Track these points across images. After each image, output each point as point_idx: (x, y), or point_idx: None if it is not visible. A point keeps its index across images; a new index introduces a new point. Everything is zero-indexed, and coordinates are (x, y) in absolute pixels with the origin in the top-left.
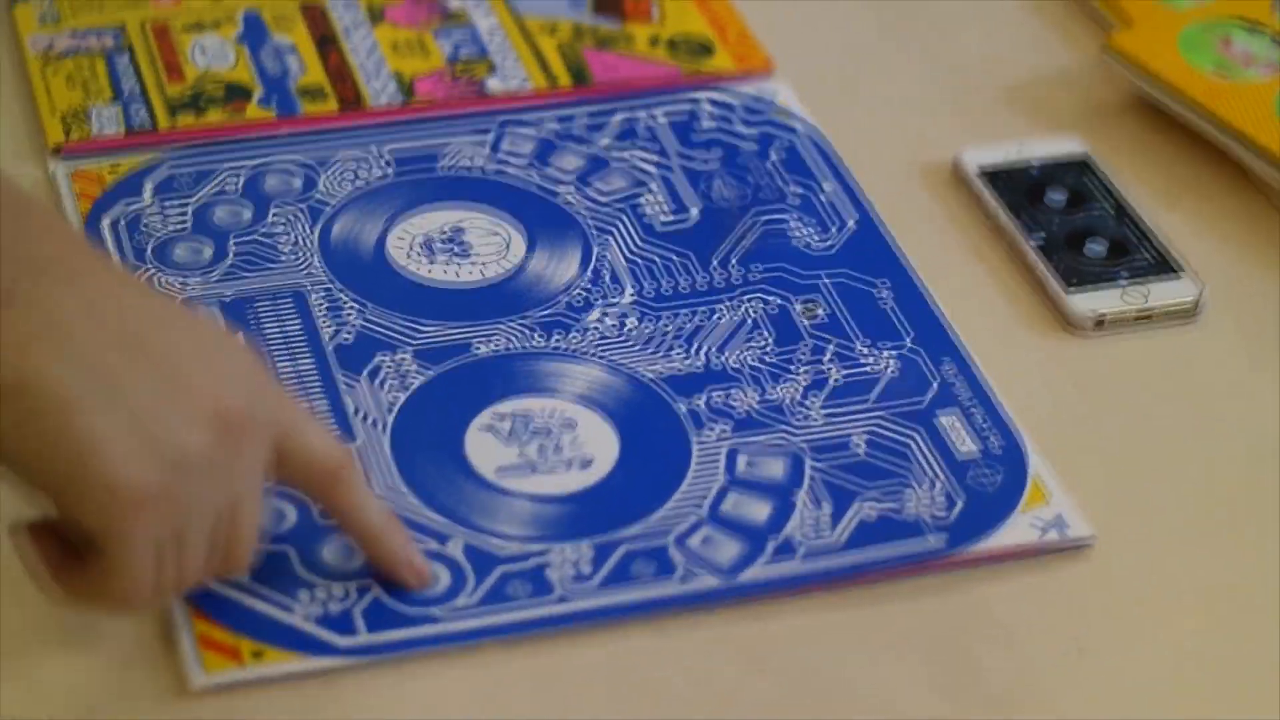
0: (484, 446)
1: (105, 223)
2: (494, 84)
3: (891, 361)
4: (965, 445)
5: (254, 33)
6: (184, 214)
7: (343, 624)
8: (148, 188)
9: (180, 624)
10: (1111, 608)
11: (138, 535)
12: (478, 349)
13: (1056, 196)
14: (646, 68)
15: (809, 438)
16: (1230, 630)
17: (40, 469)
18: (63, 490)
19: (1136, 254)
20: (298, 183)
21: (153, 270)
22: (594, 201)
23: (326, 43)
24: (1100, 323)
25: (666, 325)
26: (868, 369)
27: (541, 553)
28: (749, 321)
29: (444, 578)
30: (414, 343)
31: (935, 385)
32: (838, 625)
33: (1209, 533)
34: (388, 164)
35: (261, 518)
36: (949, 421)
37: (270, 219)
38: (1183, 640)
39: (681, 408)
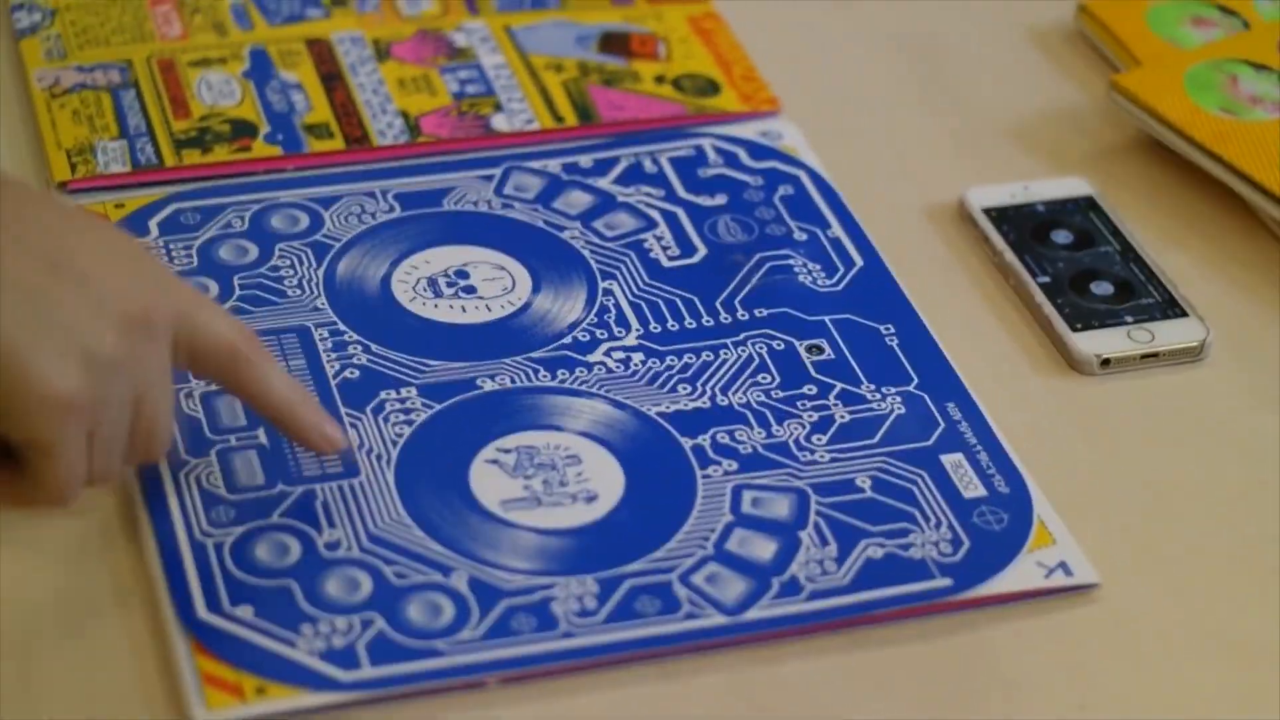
0: (489, 479)
1: None
2: (499, 122)
3: (897, 403)
4: (971, 487)
5: (260, 69)
6: (189, 252)
7: (346, 658)
8: (153, 226)
9: (182, 660)
10: (1116, 655)
11: (67, 437)
12: (482, 385)
13: (1062, 237)
14: (653, 106)
15: (814, 477)
16: (1236, 680)
17: None
18: None
19: (1143, 295)
20: (304, 221)
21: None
22: (599, 240)
23: (332, 79)
24: (1106, 363)
25: (672, 364)
26: (873, 409)
27: (546, 586)
28: (754, 361)
29: (448, 611)
30: (419, 379)
31: (941, 426)
32: (842, 668)
33: (1215, 576)
34: (393, 202)
35: (171, 404)
36: (954, 463)
37: (275, 257)
38: (1188, 692)
39: (687, 444)
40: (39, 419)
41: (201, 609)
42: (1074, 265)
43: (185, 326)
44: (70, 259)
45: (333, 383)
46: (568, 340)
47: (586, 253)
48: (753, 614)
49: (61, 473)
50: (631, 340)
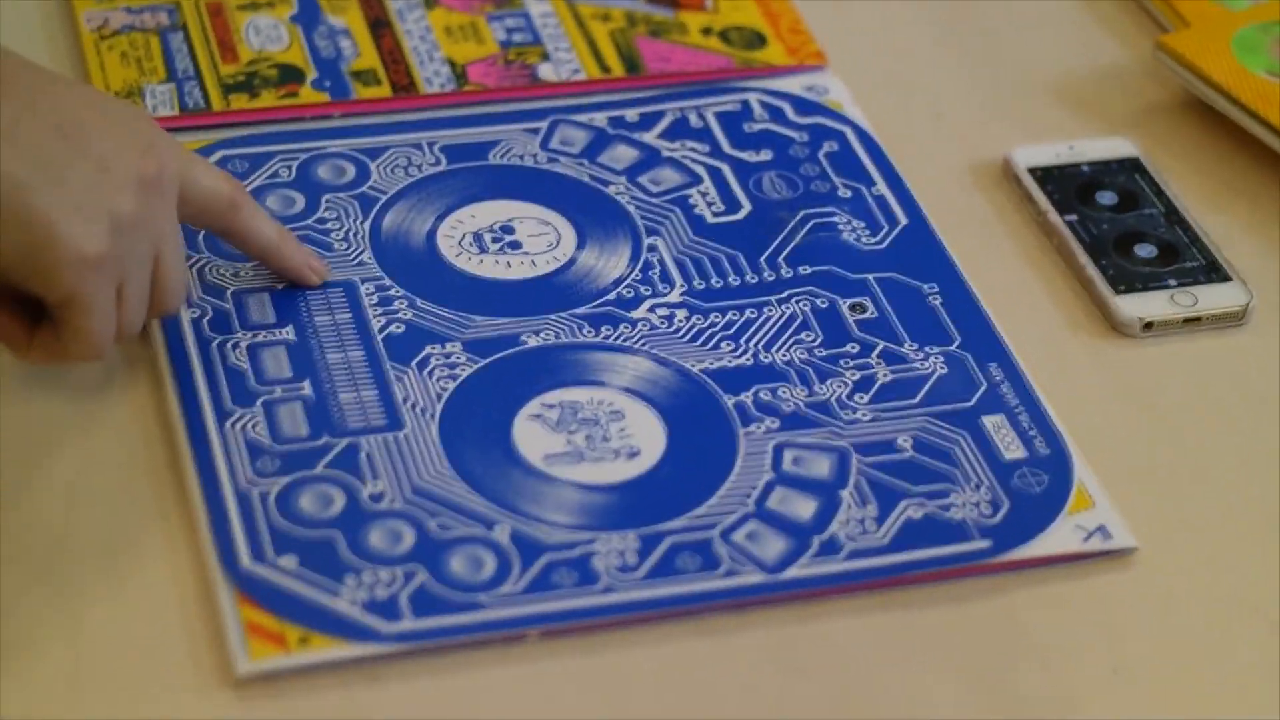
0: (532, 434)
1: None
2: (546, 71)
3: (939, 363)
4: (1011, 448)
5: (308, 13)
6: None
7: (388, 610)
8: None
9: (226, 609)
10: (1149, 620)
11: (98, 293)
12: (526, 341)
13: (1107, 198)
14: (699, 57)
15: (855, 436)
16: (1270, 648)
17: (5, 251)
18: (27, 267)
19: (1186, 258)
20: (350, 172)
21: (205, 259)
22: (645, 196)
23: (380, 25)
24: (1148, 326)
25: (715, 321)
26: (915, 369)
27: (588, 541)
28: (798, 319)
29: (490, 564)
30: (463, 335)
31: (982, 387)
32: (879, 628)
33: (1252, 544)
34: (439, 155)
35: (183, 256)
36: (995, 424)
37: (322, 209)
38: (1221, 659)
39: (729, 401)
40: (74, 278)
41: (246, 559)
42: (1118, 227)
43: (185, 184)
44: (76, 124)
45: (378, 337)
46: (612, 296)
47: (631, 208)
48: (792, 572)
49: (95, 326)
50: (675, 297)
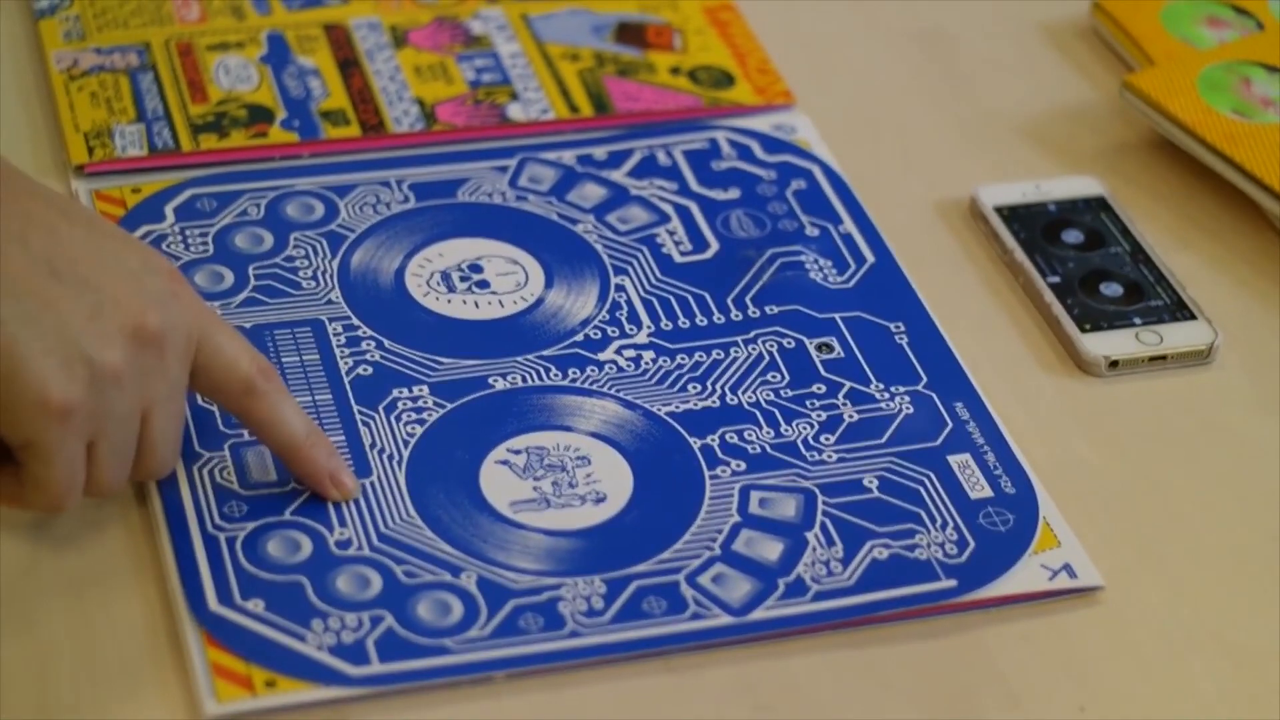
0: (499, 481)
1: None
2: (515, 111)
3: (905, 402)
4: (977, 487)
5: (277, 54)
6: (205, 240)
7: (355, 654)
8: (169, 211)
9: (193, 652)
10: (1118, 657)
11: (63, 445)
12: (494, 384)
13: (1073, 236)
14: (667, 97)
15: (822, 477)
16: (1237, 684)
17: None
18: None
19: (1152, 296)
20: (319, 210)
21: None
22: (613, 235)
23: (349, 65)
24: (1114, 365)
25: (682, 362)
26: (882, 409)
27: (554, 587)
28: (764, 360)
29: (457, 610)
30: (431, 378)
31: (949, 426)
32: (845, 665)
33: (1219, 580)
34: (408, 193)
35: (180, 425)
36: (961, 463)
37: (290, 247)
38: (1189, 695)
39: (695, 444)
40: (36, 424)
41: (213, 601)
42: (1084, 265)
43: (200, 353)
44: (72, 264)
45: (346, 379)
46: (579, 338)
47: (599, 247)
48: (758, 614)
49: (56, 479)
50: (643, 338)
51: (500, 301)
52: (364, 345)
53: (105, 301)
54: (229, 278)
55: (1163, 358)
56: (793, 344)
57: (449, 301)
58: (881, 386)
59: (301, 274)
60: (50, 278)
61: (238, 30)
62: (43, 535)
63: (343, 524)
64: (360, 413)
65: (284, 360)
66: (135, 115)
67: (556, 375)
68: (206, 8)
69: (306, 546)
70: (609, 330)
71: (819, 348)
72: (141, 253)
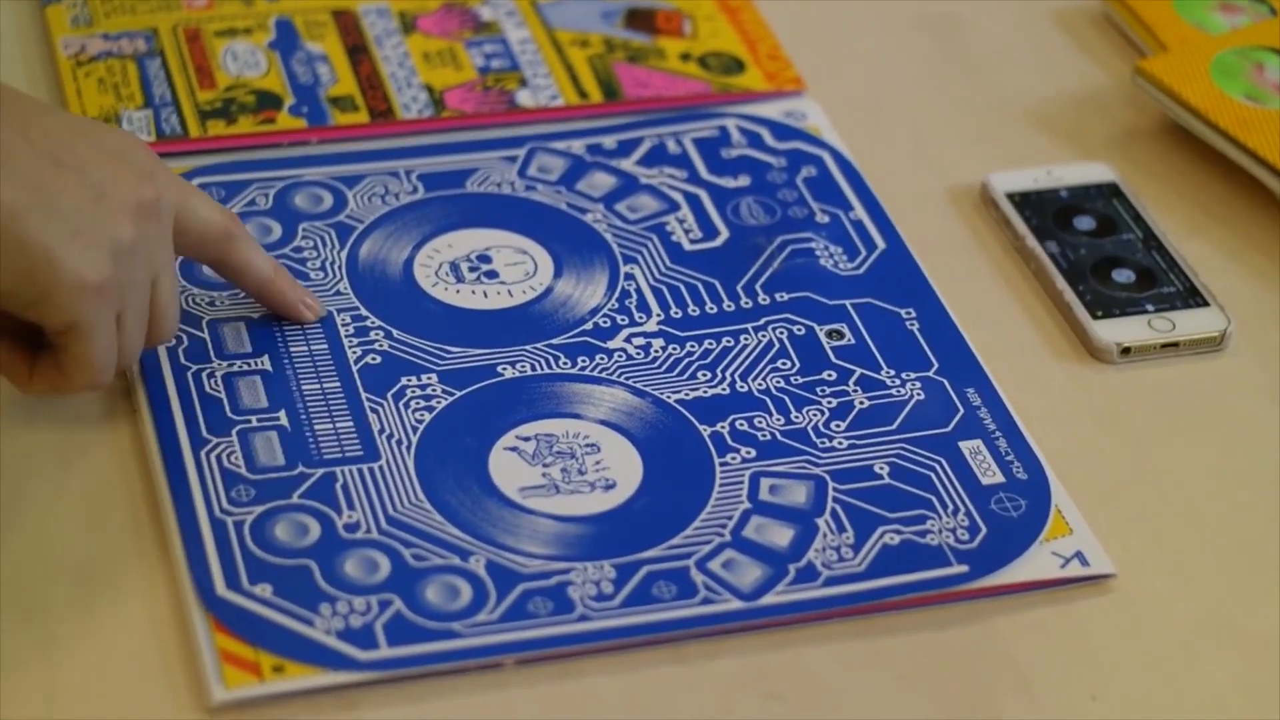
0: (508, 467)
1: None
2: (524, 97)
3: (916, 388)
4: (989, 473)
5: (286, 39)
6: None
7: (364, 638)
8: None
9: (201, 637)
10: (1128, 645)
11: (100, 320)
12: (503, 373)
13: (1085, 223)
14: (677, 83)
15: (832, 464)
16: (1247, 673)
17: (3, 280)
18: (27, 296)
19: (1164, 283)
20: (327, 200)
21: (181, 287)
22: (622, 224)
23: (358, 51)
24: (1126, 352)
25: (692, 350)
26: (893, 395)
27: (564, 571)
28: (774, 347)
29: (466, 593)
30: (439, 366)
31: (960, 412)
32: (856, 654)
33: (1230, 569)
34: (417, 183)
35: (178, 285)
36: (972, 449)
37: (299, 238)
38: (1199, 684)
39: (705, 432)
40: (75, 304)
41: (221, 586)
42: (1096, 252)
43: (181, 214)
44: (69, 151)
45: (354, 368)
46: (589, 326)
47: (609, 236)
48: (768, 599)
49: (98, 353)
50: (652, 326)
51: (509, 291)
52: (372, 335)
53: (106, 181)
54: None
55: (1175, 345)
56: (803, 331)
57: (458, 292)
58: (892, 373)
59: (310, 264)
60: (55, 166)
61: (246, 16)
62: (49, 520)
63: (351, 507)
64: (369, 400)
65: (293, 350)
66: (143, 101)
67: (566, 363)
68: None
69: (314, 530)
70: (618, 318)
71: (829, 334)
72: (115, 134)
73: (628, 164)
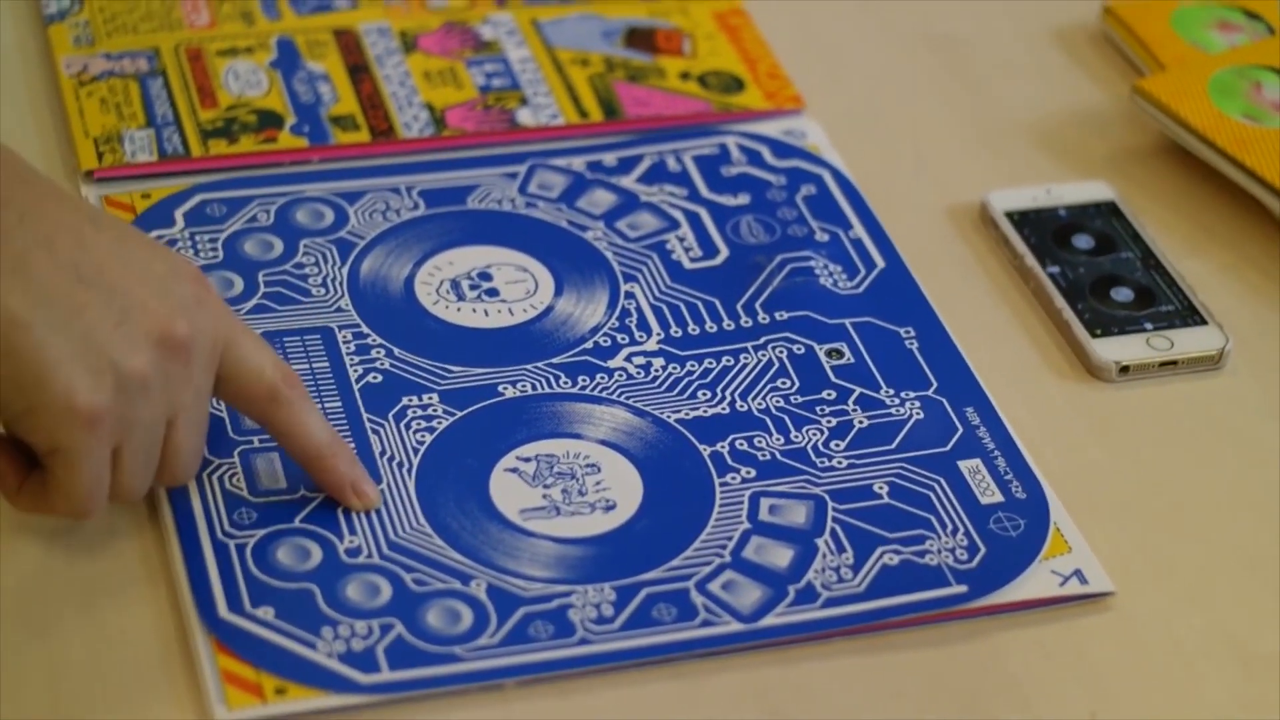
0: (508, 488)
1: None
2: (525, 116)
3: (915, 408)
4: (988, 493)
5: (287, 59)
6: (215, 245)
7: (365, 661)
8: (179, 217)
9: (203, 659)
10: (1128, 663)
11: (89, 450)
12: (503, 392)
13: (1084, 241)
14: (677, 102)
15: (832, 484)
16: (1248, 690)
17: None
18: (14, 408)
19: (1163, 301)
20: (329, 217)
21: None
22: (622, 241)
23: (359, 71)
24: (1125, 370)
25: (692, 369)
26: (892, 415)
27: (564, 594)
28: (774, 366)
29: (467, 617)
30: (440, 385)
31: (959, 432)
32: (856, 672)
33: (1230, 586)
34: (418, 199)
35: (203, 432)
36: (972, 468)
37: (300, 254)
38: (1200, 701)
39: (705, 451)
40: (63, 430)
41: (223, 608)
42: (1094, 270)
43: (225, 360)
44: (99, 270)
45: (355, 387)
46: (589, 345)
47: (609, 254)
48: (768, 621)
49: (82, 484)
50: (652, 345)
51: (510, 309)
52: (374, 353)
53: (133, 307)
54: (238, 284)
55: (1174, 363)
56: (803, 350)
57: (458, 310)
58: (891, 392)
59: (311, 281)
60: (78, 283)
61: (247, 35)
62: (54, 542)
63: (352, 532)
64: (370, 420)
65: (294, 367)
66: (145, 120)
67: (566, 383)
68: (216, 13)
69: (316, 554)
70: (619, 337)
71: (829, 353)
72: (168, 259)
73: (628, 181)
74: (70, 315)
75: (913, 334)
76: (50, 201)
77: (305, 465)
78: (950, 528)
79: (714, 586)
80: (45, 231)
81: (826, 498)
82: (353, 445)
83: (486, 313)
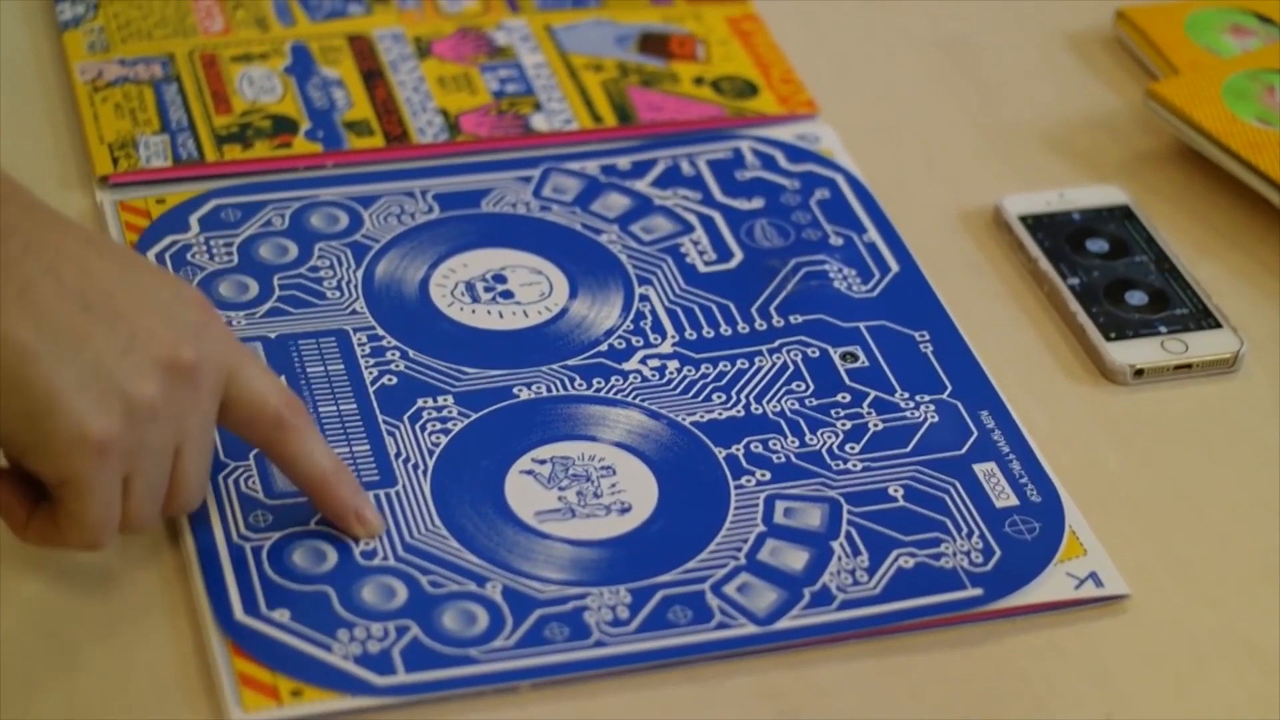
0: (524, 491)
1: (151, 255)
2: (539, 121)
3: (930, 411)
4: (1003, 496)
5: (301, 65)
6: (230, 250)
7: (381, 664)
8: (194, 222)
9: (219, 661)
10: (1144, 666)
11: (99, 480)
12: (518, 394)
13: (1097, 245)
14: (691, 107)
15: (847, 487)
16: (1265, 692)
17: (3, 420)
18: (23, 440)
19: (1177, 305)
20: (343, 220)
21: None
22: (637, 245)
23: (373, 76)
24: (1139, 373)
25: (707, 372)
26: (907, 418)
27: (580, 596)
28: (789, 369)
29: (482, 619)
30: (455, 387)
31: (974, 435)
32: (871, 675)
33: (1246, 588)
34: (432, 203)
35: (210, 458)
36: (987, 471)
37: (315, 257)
38: (1217, 704)
39: (720, 454)
40: (73, 460)
41: (239, 611)
42: (1108, 274)
43: (230, 386)
44: (105, 298)
45: (370, 389)
46: (604, 347)
47: (624, 257)
48: (783, 624)
49: (93, 515)
50: (667, 348)
51: (524, 312)
52: (389, 355)
53: (139, 334)
54: (254, 288)
55: (1188, 366)
56: (817, 353)
57: (473, 312)
58: (906, 395)
59: (326, 284)
60: (83, 312)
61: (261, 41)
62: None
63: None
64: (385, 422)
65: (309, 370)
66: (159, 126)
67: (581, 385)
68: (230, 19)
69: (332, 556)
70: (633, 340)
71: (843, 357)
72: (173, 285)
73: (642, 185)
74: (78, 344)
75: (927, 337)
76: (54, 230)
77: (308, 492)
78: (965, 531)
79: (729, 589)
80: (50, 260)
81: (841, 500)
82: (367, 447)
83: (501, 315)
